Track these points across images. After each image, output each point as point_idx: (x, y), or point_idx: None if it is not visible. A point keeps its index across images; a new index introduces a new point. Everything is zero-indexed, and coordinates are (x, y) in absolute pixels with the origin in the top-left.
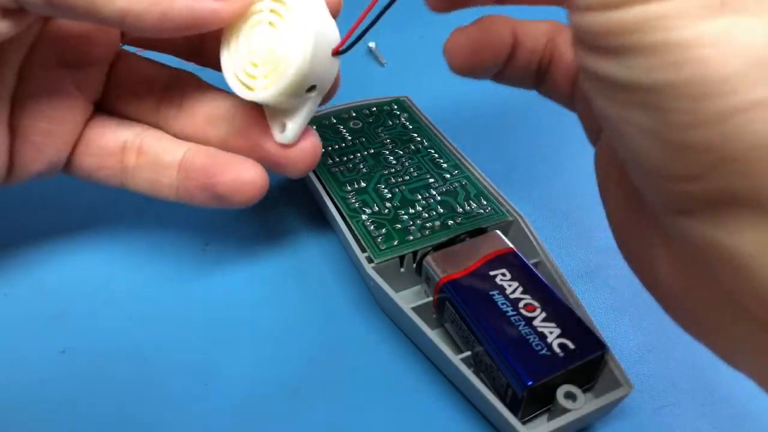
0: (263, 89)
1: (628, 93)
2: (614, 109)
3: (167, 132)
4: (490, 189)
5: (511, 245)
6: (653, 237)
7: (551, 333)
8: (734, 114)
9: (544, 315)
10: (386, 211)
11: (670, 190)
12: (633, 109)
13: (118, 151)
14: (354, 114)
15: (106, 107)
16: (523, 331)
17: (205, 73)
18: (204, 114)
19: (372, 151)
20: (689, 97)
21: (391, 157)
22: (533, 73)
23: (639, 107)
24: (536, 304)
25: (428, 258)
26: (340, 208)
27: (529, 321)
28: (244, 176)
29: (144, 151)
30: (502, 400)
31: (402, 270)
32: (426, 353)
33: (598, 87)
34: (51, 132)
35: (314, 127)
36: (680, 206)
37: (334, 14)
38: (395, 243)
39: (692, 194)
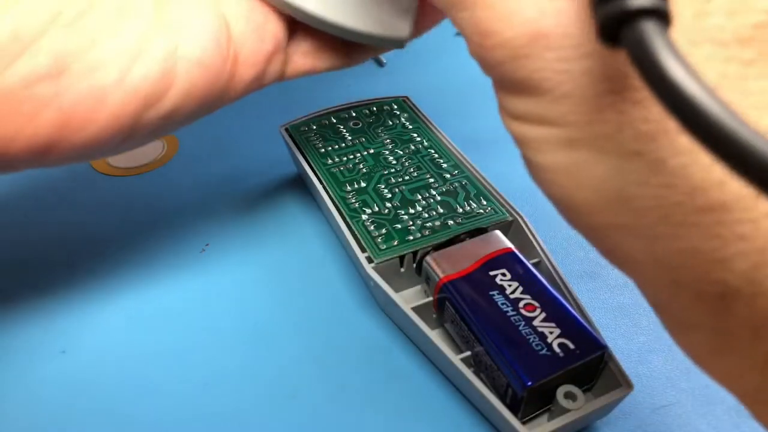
0: None
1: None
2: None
3: None
4: (490, 189)
5: (511, 245)
6: None
7: (551, 333)
8: None
9: (544, 315)
10: (386, 211)
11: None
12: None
13: None
14: (354, 114)
15: None
16: (523, 331)
17: None
18: None
19: (372, 151)
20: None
21: (391, 157)
22: None
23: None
24: (536, 304)
25: (428, 258)
26: (340, 208)
27: (529, 321)
28: None
29: None
30: (502, 400)
31: (402, 270)
32: (426, 353)
33: None
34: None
35: (314, 127)
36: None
37: None
38: (395, 243)
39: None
